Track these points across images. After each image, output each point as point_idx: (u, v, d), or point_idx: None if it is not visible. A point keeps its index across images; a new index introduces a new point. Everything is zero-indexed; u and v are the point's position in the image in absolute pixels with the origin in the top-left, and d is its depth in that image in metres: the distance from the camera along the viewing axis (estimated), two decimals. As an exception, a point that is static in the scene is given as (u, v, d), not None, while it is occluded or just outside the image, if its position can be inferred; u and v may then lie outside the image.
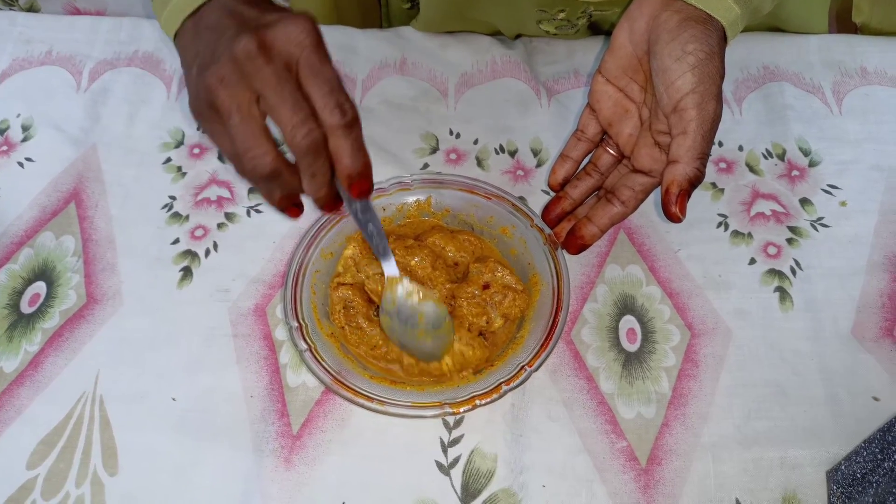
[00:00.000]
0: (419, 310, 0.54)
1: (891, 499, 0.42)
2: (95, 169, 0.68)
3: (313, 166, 0.44)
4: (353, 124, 0.43)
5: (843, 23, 0.78)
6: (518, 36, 0.79)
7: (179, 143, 0.70)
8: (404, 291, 0.54)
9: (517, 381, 0.51)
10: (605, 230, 0.56)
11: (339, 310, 0.57)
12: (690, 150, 0.49)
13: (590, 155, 0.60)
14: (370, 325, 0.56)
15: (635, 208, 0.56)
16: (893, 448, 0.43)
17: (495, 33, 0.79)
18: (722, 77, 0.50)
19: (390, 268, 0.54)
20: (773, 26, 0.78)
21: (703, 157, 0.50)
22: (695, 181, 0.50)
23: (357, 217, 0.50)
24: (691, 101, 0.49)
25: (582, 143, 0.59)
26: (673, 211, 0.50)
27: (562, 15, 0.72)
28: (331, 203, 0.46)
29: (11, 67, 0.75)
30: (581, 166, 0.60)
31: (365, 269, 0.58)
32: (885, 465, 0.43)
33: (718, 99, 0.49)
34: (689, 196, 0.50)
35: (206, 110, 0.43)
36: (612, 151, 0.59)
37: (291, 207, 0.47)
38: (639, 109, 0.56)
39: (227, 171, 0.68)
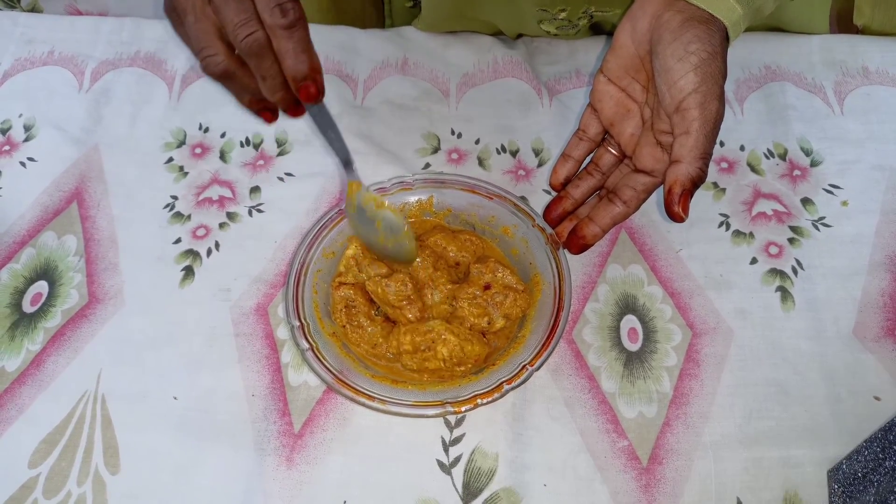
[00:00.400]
0: (377, 216, 0.55)
1: (892, 498, 0.42)
2: (97, 169, 0.68)
3: (261, 68, 0.44)
4: (294, 24, 0.43)
5: (843, 24, 0.78)
6: (519, 36, 0.79)
7: (181, 143, 0.70)
8: (362, 199, 0.54)
9: (519, 381, 0.51)
10: (606, 230, 0.56)
11: (341, 309, 0.57)
12: (693, 149, 0.49)
13: (591, 155, 0.60)
14: (371, 324, 0.56)
15: (637, 208, 0.56)
16: (894, 447, 0.43)
17: (496, 33, 0.79)
18: (724, 77, 0.50)
19: (351, 174, 0.54)
20: (775, 27, 0.78)
21: (706, 156, 0.50)
22: (697, 181, 0.50)
23: (315, 122, 0.50)
24: (694, 100, 0.49)
25: (583, 142, 0.59)
26: (676, 210, 0.50)
27: (563, 14, 0.72)
28: (291, 106, 0.47)
29: (14, 67, 0.75)
30: (582, 166, 0.60)
31: (367, 269, 0.58)
32: (887, 464, 0.43)
33: (721, 99, 0.49)
34: (691, 196, 0.50)
35: (171, 12, 0.45)
36: (613, 151, 0.59)
37: (264, 111, 0.48)
38: (641, 109, 0.56)
39: (229, 171, 0.68)
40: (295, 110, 0.47)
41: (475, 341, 0.55)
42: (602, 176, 0.59)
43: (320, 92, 0.45)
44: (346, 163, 0.54)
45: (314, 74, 0.45)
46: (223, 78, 0.46)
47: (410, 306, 0.56)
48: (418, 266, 0.58)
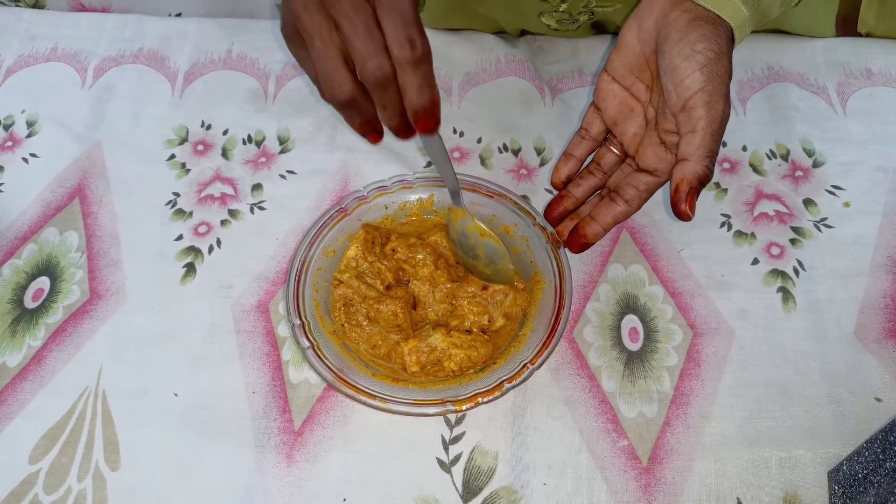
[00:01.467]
0: (480, 244, 0.57)
1: (892, 499, 0.42)
2: (100, 165, 0.68)
3: (383, 98, 0.44)
4: (421, 60, 0.43)
5: (848, 30, 0.77)
6: (522, 34, 0.79)
7: (184, 140, 0.70)
8: (466, 226, 0.56)
9: (519, 379, 0.51)
10: (608, 229, 0.56)
11: (340, 307, 0.57)
12: (700, 148, 0.49)
13: (593, 154, 0.60)
14: (370, 323, 0.56)
15: (639, 208, 0.56)
16: (895, 448, 0.43)
17: (498, 31, 0.79)
18: (730, 77, 0.50)
19: (458, 203, 0.57)
20: (779, 29, 0.78)
21: (712, 155, 0.50)
22: (704, 179, 0.50)
23: (428, 150, 0.51)
24: (700, 99, 0.49)
25: (586, 141, 0.59)
26: (682, 209, 0.50)
27: (563, 7, 0.72)
28: (405, 132, 0.47)
29: (17, 63, 0.75)
30: (584, 165, 0.60)
31: (366, 271, 0.58)
32: (887, 465, 0.43)
33: (727, 98, 0.49)
34: (698, 194, 0.50)
35: (293, 34, 0.45)
36: (615, 150, 0.59)
37: (371, 133, 0.48)
38: (644, 109, 0.56)
39: (231, 168, 0.68)
40: (406, 134, 0.47)
41: (478, 345, 0.55)
42: (603, 175, 0.59)
43: (438, 124, 0.46)
44: (454, 193, 0.56)
45: (433, 108, 0.45)
46: (346, 105, 0.45)
47: (399, 335, 0.56)
48: (420, 263, 0.58)
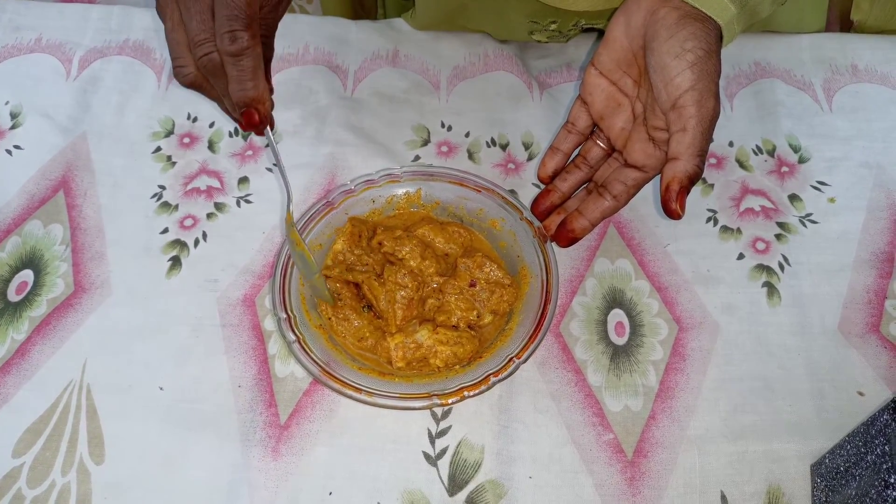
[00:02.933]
0: (295, 254, 0.55)
1: (873, 492, 0.42)
2: (85, 157, 0.68)
3: (217, 87, 0.46)
4: (240, 53, 0.44)
5: (844, 24, 0.78)
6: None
7: (169, 133, 0.70)
8: (288, 231, 0.54)
9: (505, 373, 0.51)
10: (595, 224, 0.56)
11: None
12: (690, 146, 0.49)
13: (579, 148, 0.60)
14: (358, 317, 0.56)
15: (626, 203, 0.56)
16: (876, 442, 0.43)
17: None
18: (719, 75, 0.50)
19: (288, 204, 0.54)
20: (766, 28, 0.78)
21: (703, 154, 0.50)
22: (694, 178, 0.50)
23: (270, 147, 0.51)
24: (690, 98, 0.49)
25: (572, 135, 0.59)
26: (673, 208, 0.50)
27: (553, 26, 0.72)
28: (240, 124, 0.48)
29: (0, 54, 0.75)
30: (570, 159, 0.60)
31: (354, 263, 0.58)
32: (868, 458, 0.44)
33: (716, 97, 0.50)
34: (688, 192, 0.50)
35: (158, 14, 0.47)
36: (602, 144, 0.59)
37: (237, 120, 0.49)
38: (632, 103, 0.56)
39: (217, 161, 0.68)
40: (243, 126, 0.48)
41: (464, 341, 0.55)
42: (590, 169, 0.59)
43: (262, 121, 0.47)
44: (288, 195, 0.54)
45: (256, 103, 0.46)
46: (191, 87, 0.47)
47: (407, 309, 0.56)
48: (407, 255, 0.58)
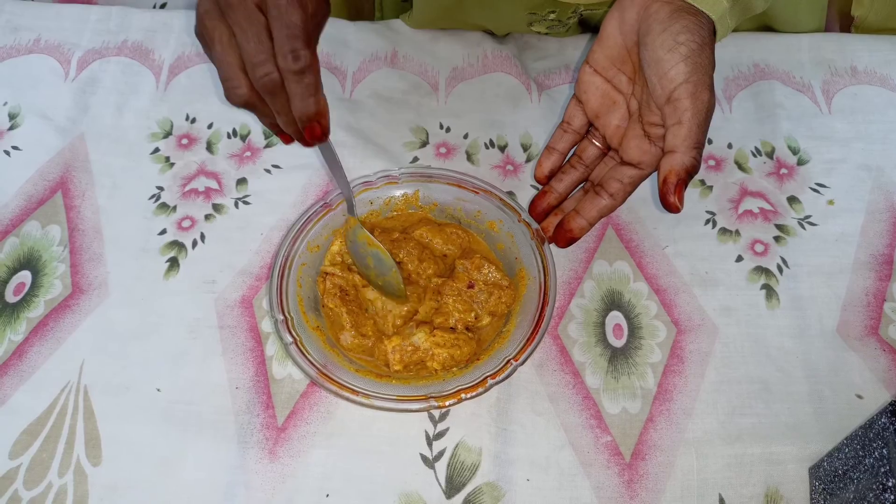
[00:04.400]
0: (369, 253, 0.57)
1: (871, 495, 0.42)
2: (83, 158, 0.68)
3: (275, 104, 0.46)
4: (304, 71, 0.45)
5: (844, 19, 0.78)
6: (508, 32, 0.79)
7: (168, 134, 0.70)
8: (356, 234, 0.56)
9: (503, 375, 0.51)
10: (593, 223, 0.56)
11: (336, 294, 0.56)
12: (686, 139, 0.49)
13: (575, 147, 0.60)
14: (371, 303, 0.56)
15: (623, 201, 0.56)
16: (874, 445, 0.43)
17: (486, 31, 0.79)
18: (713, 68, 0.50)
19: (350, 210, 0.57)
20: (764, 25, 0.78)
21: (699, 146, 0.50)
22: (692, 170, 0.50)
23: (324, 157, 0.53)
24: (685, 91, 0.49)
25: (568, 134, 0.59)
26: (672, 201, 0.50)
27: (552, 16, 0.72)
28: (303, 140, 0.49)
29: (-1, 55, 0.75)
30: (566, 158, 0.60)
31: (352, 264, 0.58)
32: (867, 461, 0.44)
33: (711, 89, 0.50)
34: (686, 185, 0.50)
35: (200, 38, 0.47)
36: (597, 143, 0.59)
37: (281, 134, 0.50)
38: (627, 101, 0.56)
39: (216, 163, 0.68)
40: (302, 142, 0.49)
41: (462, 343, 0.54)
42: (586, 169, 0.59)
43: (325, 133, 0.48)
44: (348, 201, 0.57)
45: (319, 117, 0.47)
46: (244, 107, 0.47)
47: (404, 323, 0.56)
48: (405, 258, 0.58)
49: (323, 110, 0.47)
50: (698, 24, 0.50)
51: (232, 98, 0.47)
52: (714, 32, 0.51)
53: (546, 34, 0.76)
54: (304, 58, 0.44)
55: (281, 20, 0.44)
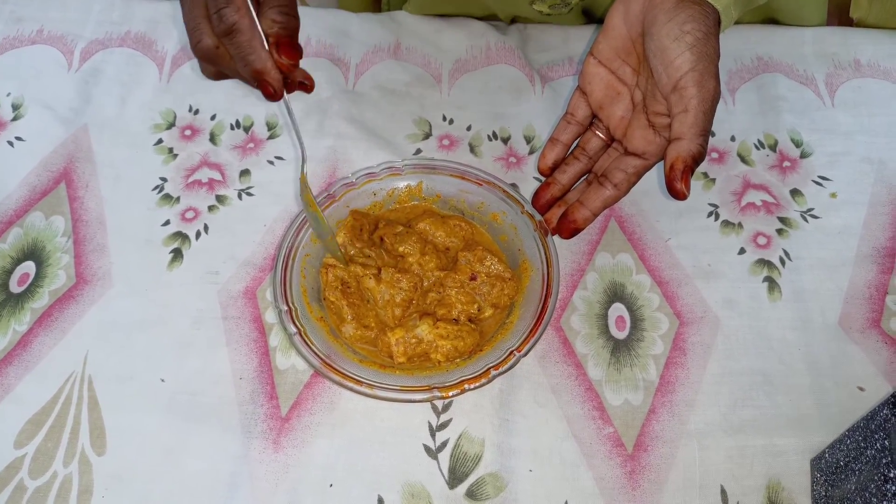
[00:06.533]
0: (309, 214, 0.56)
1: (872, 486, 0.42)
2: (86, 149, 0.68)
3: (231, 47, 0.48)
4: (229, 32, 0.46)
5: (841, 17, 0.78)
6: (513, 21, 0.79)
7: (171, 125, 0.70)
8: (303, 193, 0.55)
9: (506, 366, 0.51)
10: (597, 214, 0.56)
11: (337, 287, 0.56)
12: (693, 126, 0.49)
13: (578, 139, 0.60)
14: (371, 293, 0.56)
15: (627, 191, 0.56)
16: (876, 437, 0.43)
17: (489, 16, 0.79)
18: (718, 57, 0.50)
19: (302, 165, 0.55)
20: (768, 17, 0.78)
21: (706, 133, 0.50)
22: (698, 157, 0.50)
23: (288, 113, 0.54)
24: (691, 79, 0.49)
25: (572, 126, 0.59)
26: (678, 187, 0.50)
27: None
28: (258, 84, 0.49)
29: (2, 46, 0.75)
30: (570, 150, 0.60)
31: (355, 256, 0.58)
32: (868, 453, 0.44)
33: (717, 78, 0.50)
34: (692, 173, 0.50)
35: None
36: (600, 135, 0.59)
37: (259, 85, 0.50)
38: (631, 92, 0.56)
39: (219, 154, 0.68)
40: (263, 89, 0.50)
41: (465, 335, 0.55)
42: (589, 160, 0.59)
43: (276, 91, 0.49)
44: (302, 156, 0.55)
45: (262, 76, 0.48)
46: (204, 59, 0.49)
47: (405, 309, 0.56)
48: (407, 253, 0.58)
49: (264, 67, 0.47)
50: (703, 14, 0.50)
51: (194, 48, 0.48)
52: (718, 22, 0.51)
53: (549, 15, 0.76)
54: (226, 17, 0.45)
55: None
